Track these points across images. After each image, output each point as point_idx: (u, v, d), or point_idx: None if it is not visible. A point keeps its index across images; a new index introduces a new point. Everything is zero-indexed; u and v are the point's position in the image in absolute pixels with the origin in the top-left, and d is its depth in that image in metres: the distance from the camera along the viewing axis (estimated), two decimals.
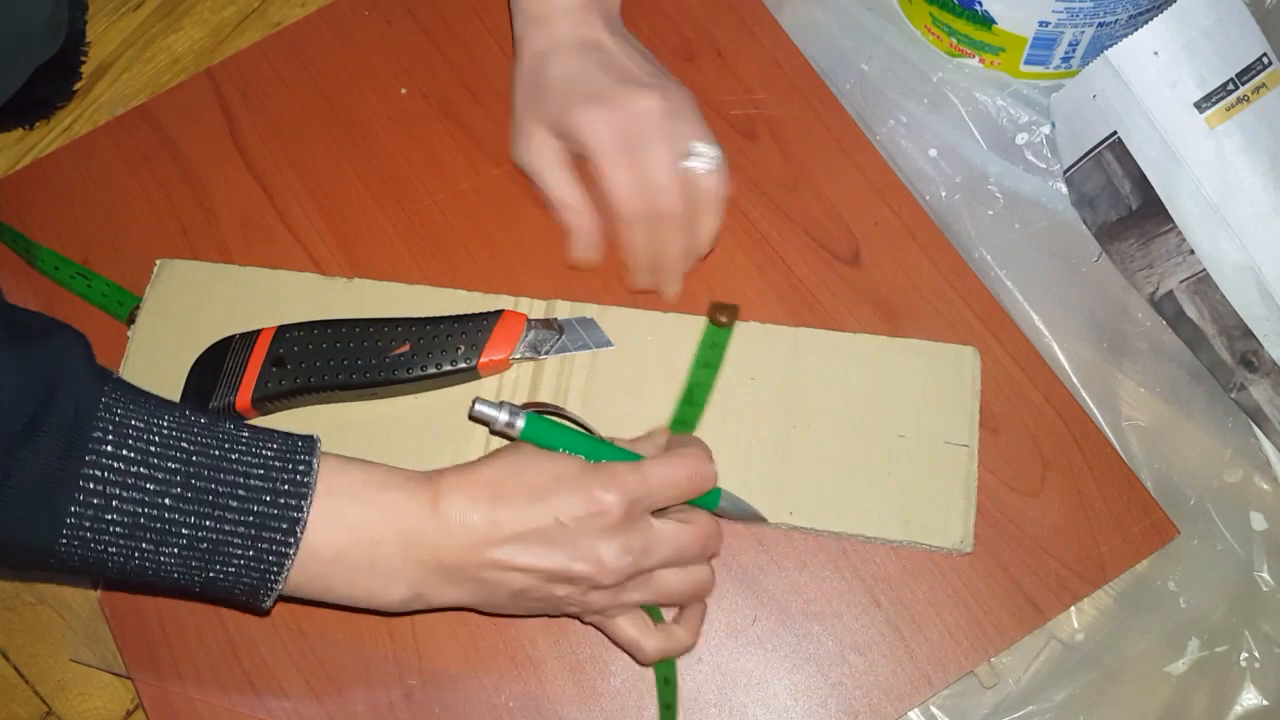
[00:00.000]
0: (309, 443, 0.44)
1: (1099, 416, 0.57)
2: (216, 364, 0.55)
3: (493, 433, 0.47)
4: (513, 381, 0.55)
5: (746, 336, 0.56)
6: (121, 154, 0.64)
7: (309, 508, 0.42)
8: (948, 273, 0.58)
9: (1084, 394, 0.57)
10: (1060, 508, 0.54)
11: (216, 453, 0.41)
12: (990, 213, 0.61)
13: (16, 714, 0.58)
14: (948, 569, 0.53)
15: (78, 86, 0.70)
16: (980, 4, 0.59)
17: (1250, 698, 0.52)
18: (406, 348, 0.54)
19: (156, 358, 0.57)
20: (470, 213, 0.61)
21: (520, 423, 0.46)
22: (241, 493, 0.41)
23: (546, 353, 0.55)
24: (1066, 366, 0.58)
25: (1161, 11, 0.51)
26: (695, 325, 0.56)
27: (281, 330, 0.55)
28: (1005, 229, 0.61)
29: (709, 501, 0.49)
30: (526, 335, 0.55)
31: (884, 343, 0.56)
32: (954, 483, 0.53)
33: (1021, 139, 0.62)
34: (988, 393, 0.55)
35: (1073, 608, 0.53)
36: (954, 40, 0.63)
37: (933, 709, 0.53)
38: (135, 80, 0.71)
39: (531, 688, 0.52)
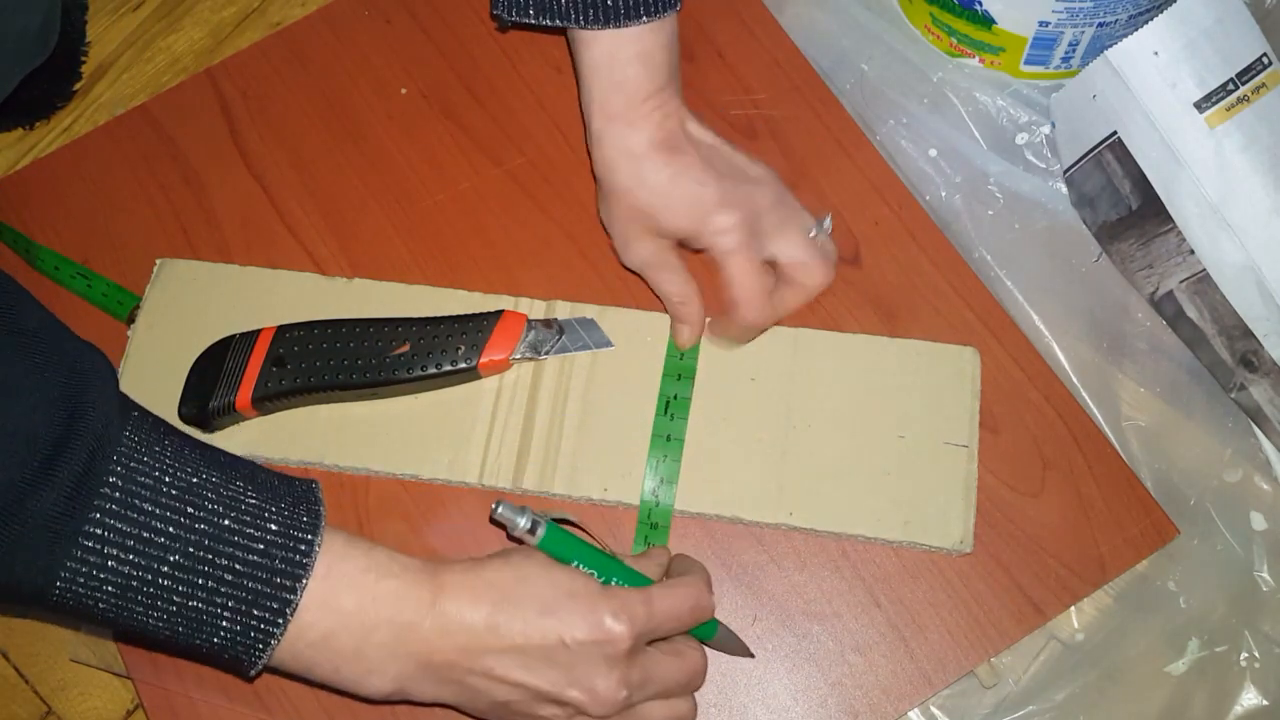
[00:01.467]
0: (314, 518, 0.42)
1: (1099, 416, 0.57)
2: (216, 364, 0.55)
3: (509, 537, 0.46)
4: (513, 381, 0.55)
5: None
6: (121, 154, 0.64)
7: (303, 591, 0.41)
8: (948, 273, 0.58)
9: (1084, 394, 0.57)
10: (1060, 508, 0.54)
11: (219, 522, 0.40)
12: (990, 213, 0.61)
13: (16, 714, 0.58)
14: (948, 569, 0.53)
15: (78, 86, 0.70)
16: (980, 4, 0.59)
17: (1250, 698, 0.52)
18: (406, 348, 0.54)
19: (156, 358, 0.57)
20: (470, 213, 0.61)
21: (541, 531, 0.46)
22: (239, 567, 0.40)
23: (547, 353, 0.55)
24: (1066, 366, 0.58)
25: (1161, 11, 0.51)
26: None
27: (281, 330, 0.55)
28: (1005, 229, 0.61)
29: (706, 632, 0.49)
30: (526, 335, 0.55)
31: (884, 343, 0.56)
32: (954, 483, 0.53)
33: (1021, 139, 0.62)
34: (988, 393, 0.55)
35: (1073, 608, 0.53)
36: (954, 40, 0.63)
37: (933, 709, 0.53)
38: (135, 80, 0.71)
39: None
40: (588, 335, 0.56)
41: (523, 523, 0.45)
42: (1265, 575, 0.54)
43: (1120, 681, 0.53)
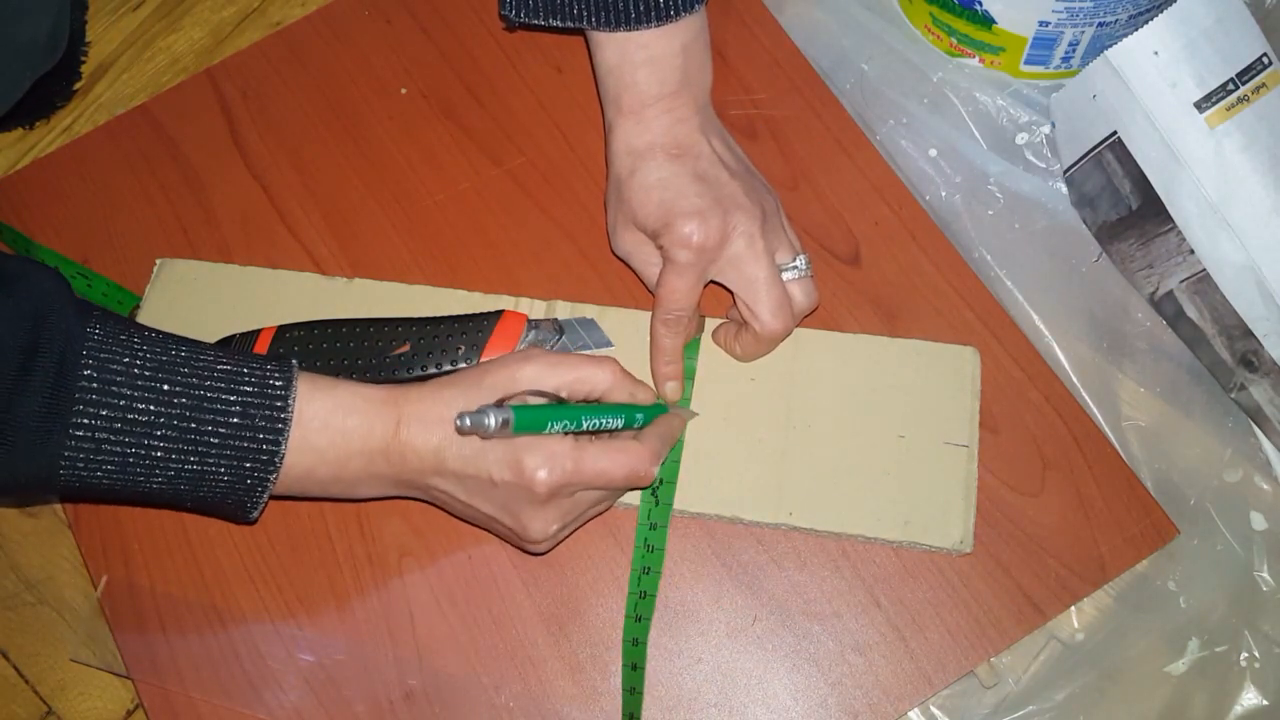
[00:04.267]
0: (286, 376, 0.46)
1: (1099, 416, 0.57)
2: None
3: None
4: None
5: None
6: (121, 154, 0.64)
7: (286, 441, 0.45)
8: (948, 273, 0.58)
9: (1084, 394, 0.57)
10: (1060, 508, 0.54)
11: (197, 393, 0.44)
12: (990, 213, 0.61)
13: (16, 714, 0.58)
14: (948, 569, 0.53)
15: (78, 86, 0.70)
16: (980, 4, 0.59)
17: (1250, 698, 0.52)
18: (407, 348, 0.54)
19: None
20: (470, 213, 0.61)
21: (511, 419, 0.46)
22: (223, 430, 0.44)
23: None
24: (1066, 366, 0.58)
25: (1161, 11, 0.51)
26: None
27: (281, 330, 0.55)
28: (1005, 229, 0.61)
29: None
30: (526, 335, 0.55)
31: (884, 343, 0.56)
32: (954, 483, 0.53)
33: (1021, 139, 0.62)
34: (988, 393, 0.55)
35: (1073, 608, 0.53)
36: (954, 40, 0.63)
37: (933, 709, 0.53)
38: (135, 80, 0.70)
39: (531, 688, 0.52)
40: (588, 335, 0.56)
41: (491, 424, 0.45)
42: (1265, 575, 0.54)
43: (1120, 681, 0.53)
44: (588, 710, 0.52)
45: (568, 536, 0.51)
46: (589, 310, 0.57)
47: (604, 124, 0.54)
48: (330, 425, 0.46)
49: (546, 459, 0.46)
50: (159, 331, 0.45)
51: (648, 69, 0.52)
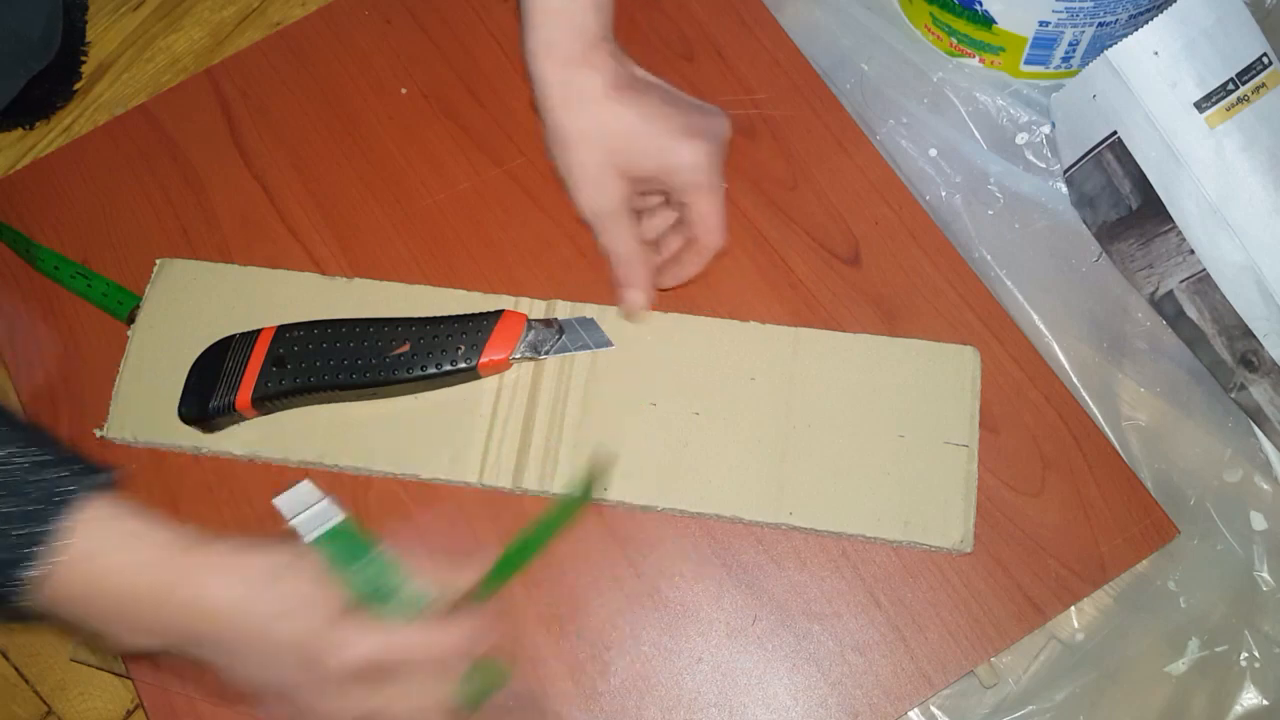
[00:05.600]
0: (77, 487, 0.42)
1: (1099, 416, 0.57)
2: (216, 364, 0.55)
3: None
4: (513, 381, 0.55)
5: (746, 336, 0.56)
6: (121, 154, 0.64)
7: (54, 548, 0.41)
8: (948, 273, 0.58)
9: (1084, 394, 0.57)
10: (1060, 508, 0.54)
11: None
12: (990, 213, 0.61)
13: (16, 714, 0.58)
14: (948, 569, 0.53)
15: (78, 86, 0.70)
16: (980, 4, 0.59)
17: (1250, 698, 0.52)
18: (406, 348, 0.54)
19: (156, 358, 0.57)
20: (470, 213, 0.61)
21: (315, 534, 0.45)
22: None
23: (546, 353, 0.55)
24: (1066, 366, 0.58)
25: (1161, 11, 0.51)
26: (696, 325, 0.56)
27: (281, 330, 0.55)
28: (1005, 229, 0.61)
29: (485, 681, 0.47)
30: (526, 335, 0.55)
31: (884, 343, 0.56)
32: (954, 483, 0.53)
33: (1021, 139, 0.62)
34: (988, 393, 0.55)
35: (1073, 608, 0.53)
36: (954, 40, 0.63)
37: (933, 709, 0.53)
38: (135, 80, 0.71)
39: (531, 688, 0.52)
40: (588, 335, 0.56)
41: (304, 525, 0.44)
42: (1265, 575, 0.54)
43: (1120, 681, 0.53)
44: (588, 710, 0.52)
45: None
46: (589, 310, 0.57)
47: (536, 80, 0.51)
48: (109, 557, 0.42)
49: (353, 636, 0.43)
50: None
51: (593, 11, 0.50)
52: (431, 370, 0.53)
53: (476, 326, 0.54)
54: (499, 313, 0.55)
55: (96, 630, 0.43)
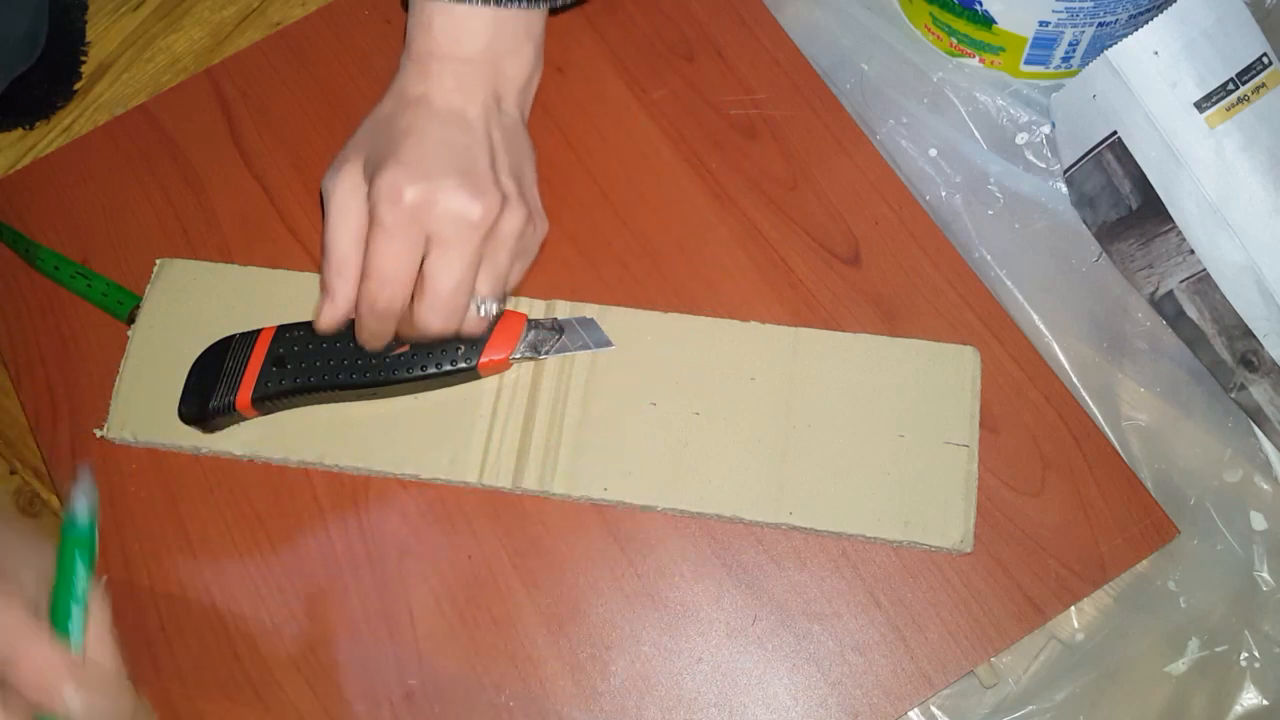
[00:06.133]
0: None
1: (1099, 416, 0.57)
2: (216, 364, 0.55)
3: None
4: (513, 381, 0.55)
5: (746, 336, 0.56)
6: (121, 154, 0.64)
7: None
8: (948, 273, 0.58)
9: (1084, 394, 0.57)
10: (1060, 508, 0.54)
11: None
12: (990, 213, 0.61)
13: None
14: (948, 569, 0.53)
15: (78, 86, 0.70)
16: (980, 4, 0.59)
17: (1250, 698, 0.52)
18: (406, 347, 0.54)
19: (156, 357, 0.57)
20: None
21: (83, 518, 0.44)
22: None
23: (546, 353, 0.55)
24: (1066, 366, 0.58)
25: (1161, 11, 0.51)
26: (696, 325, 0.56)
27: (281, 330, 0.55)
28: (1005, 229, 0.61)
29: None
30: (526, 335, 0.55)
31: (884, 343, 0.56)
32: (954, 483, 0.53)
33: (1021, 139, 0.62)
34: (988, 393, 0.55)
35: (1073, 608, 0.53)
36: (954, 40, 0.63)
37: (933, 709, 0.53)
38: (135, 80, 0.70)
39: (531, 688, 0.52)
40: (588, 335, 0.56)
41: (78, 500, 0.43)
42: (1265, 575, 0.54)
43: (1120, 681, 0.53)
44: (588, 710, 0.52)
45: None
46: (589, 310, 0.57)
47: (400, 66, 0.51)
48: None
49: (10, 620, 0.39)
50: None
51: (444, 18, 0.49)
52: (431, 370, 0.53)
53: None
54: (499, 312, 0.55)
55: None
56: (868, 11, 0.64)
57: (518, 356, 0.55)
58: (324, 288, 0.50)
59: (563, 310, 0.57)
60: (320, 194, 0.51)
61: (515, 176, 0.50)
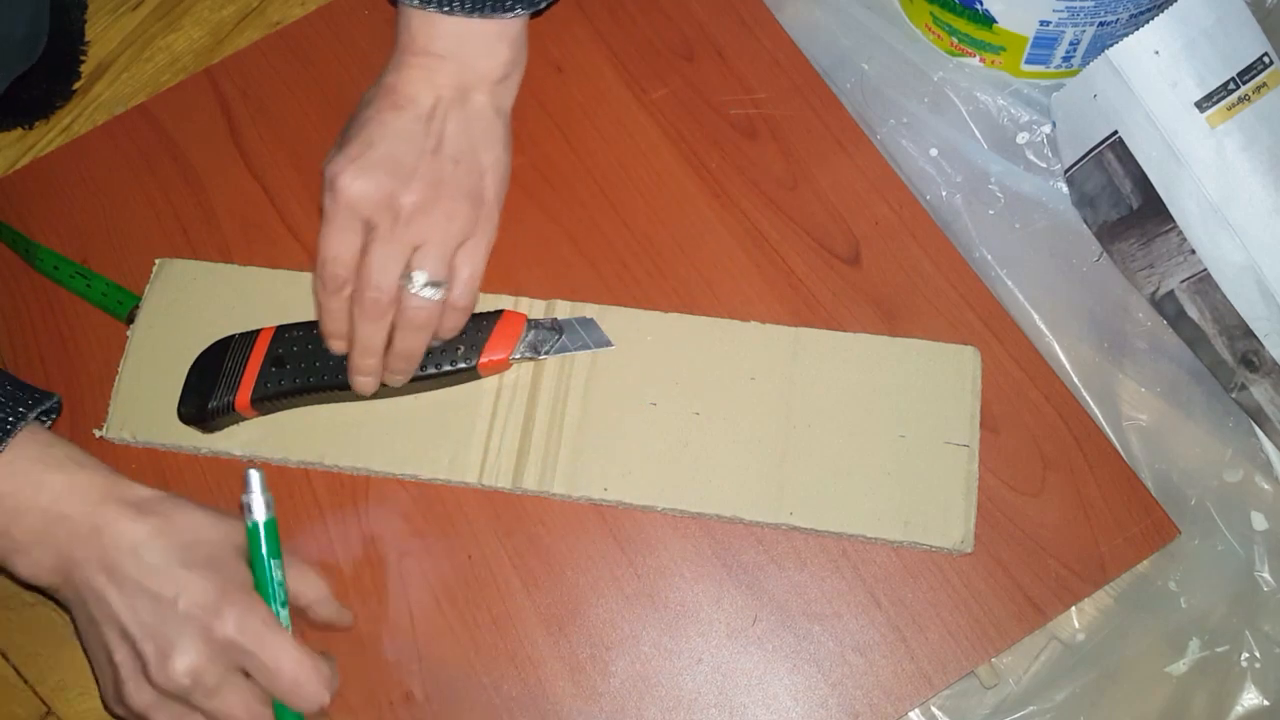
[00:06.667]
0: (12, 421, 0.44)
1: (1099, 416, 0.57)
2: (216, 364, 0.54)
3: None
4: (513, 381, 0.55)
5: (746, 336, 0.56)
6: (121, 154, 0.64)
7: None
8: (948, 273, 0.58)
9: (1084, 394, 0.57)
10: (1060, 508, 0.54)
11: None
12: (991, 212, 0.61)
13: (16, 714, 0.58)
14: (948, 569, 0.53)
15: (77, 86, 0.70)
16: (981, 3, 0.59)
17: (1251, 698, 0.52)
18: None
19: (156, 357, 0.57)
20: None
21: (260, 515, 0.47)
22: None
23: (547, 353, 0.55)
24: (1067, 366, 0.58)
25: (1162, 11, 0.51)
26: (696, 325, 0.56)
27: (281, 330, 0.55)
28: (1006, 229, 0.61)
29: (282, 715, 0.47)
30: (526, 335, 0.55)
31: (884, 343, 0.55)
32: (954, 483, 0.53)
33: (1022, 138, 0.62)
34: (988, 393, 0.55)
35: (1073, 608, 0.53)
36: (954, 40, 0.63)
37: (933, 709, 0.53)
38: (135, 80, 0.70)
39: (531, 688, 0.52)
40: (588, 335, 0.56)
41: (257, 500, 0.47)
42: (1265, 575, 0.54)
43: (1120, 681, 0.53)
44: (588, 710, 0.52)
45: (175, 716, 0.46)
46: (589, 310, 0.57)
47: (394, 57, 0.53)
48: (24, 473, 0.45)
49: (247, 611, 0.45)
50: None
51: (420, 18, 0.51)
52: (431, 370, 0.53)
53: (476, 326, 0.54)
54: (499, 313, 0.55)
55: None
56: (868, 11, 0.64)
57: (518, 357, 0.55)
58: (328, 284, 0.52)
59: (563, 310, 0.57)
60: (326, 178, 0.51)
61: (461, 162, 0.51)
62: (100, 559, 0.44)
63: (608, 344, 0.56)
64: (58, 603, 0.50)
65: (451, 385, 0.55)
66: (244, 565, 0.47)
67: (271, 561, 0.47)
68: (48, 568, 0.46)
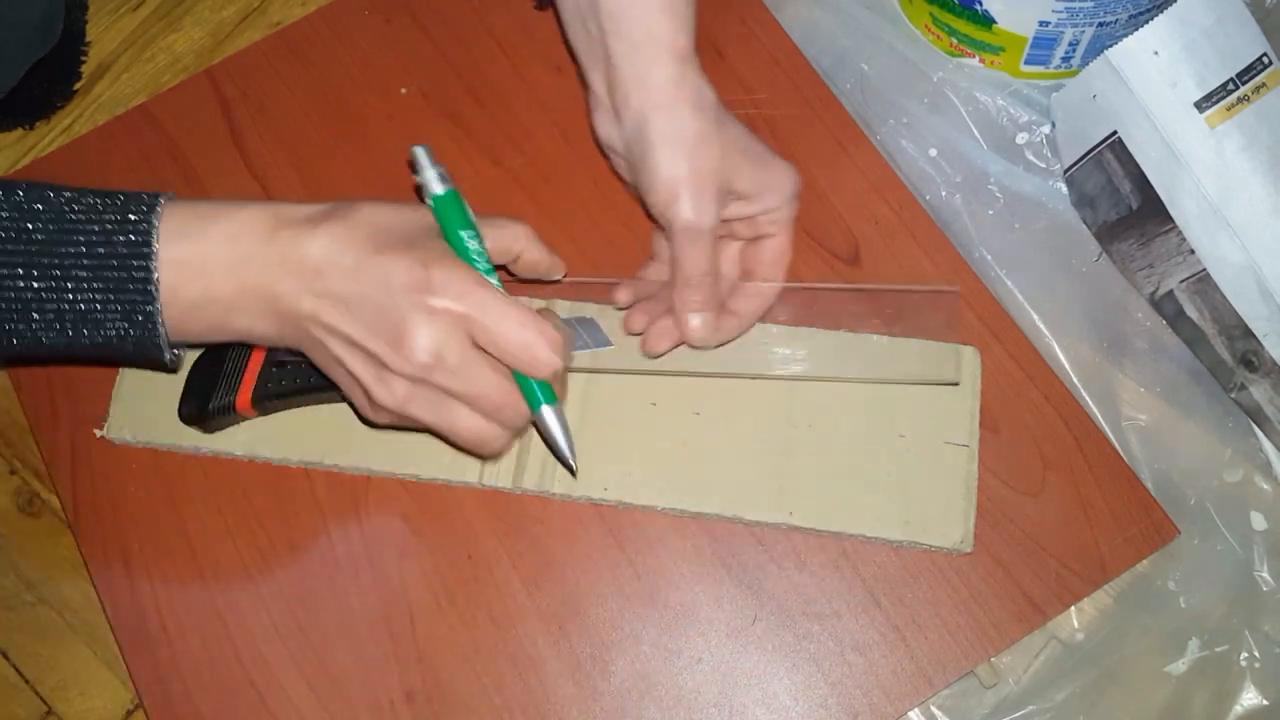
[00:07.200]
0: (150, 200, 0.43)
1: (1099, 416, 0.57)
2: (216, 364, 0.54)
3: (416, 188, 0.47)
4: None
5: (747, 336, 0.55)
6: (122, 154, 0.64)
7: (154, 260, 0.42)
8: (948, 273, 0.58)
9: (1084, 394, 0.57)
10: (1060, 508, 0.54)
11: (57, 229, 0.42)
12: (990, 212, 0.61)
13: (16, 714, 0.58)
14: (948, 569, 0.53)
15: (78, 86, 0.70)
16: (980, 4, 0.59)
17: (1250, 698, 0.52)
18: None
19: None
20: None
21: (437, 189, 0.46)
22: (89, 261, 0.42)
23: None
24: (1066, 366, 0.58)
25: (1162, 11, 0.51)
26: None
27: None
28: (1005, 229, 0.61)
29: (531, 397, 0.45)
30: None
31: (884, 343, 0.55)
32: (954, 483, 0.53)
33: (1022, 139, 0.62)
34: (988, 393, 0.55)
35: (1073, 608, 0.53)
36: (954, 40, 0.63)
37: (933, 709, 0.53)
38: (135, 80, 0.70)
39: (531, 688, 0.52)
40: (588, 335, 0.56)
41: (429, 175, 0.45)
42: (1265, 575, 0.54)
43: (1120, 681, 0.53)
44: (588, 710, 0.52)
45: (422, 418, 0.44)
46: (589, 310, 0.57)
47: (641, 83, 0.48)
48: (195, 233, 0.43)
49: (458, 275, 0.42)
50: (16, 181, 0.43)
51: (683, 33, 0.48)
52: None
53: None
54: None
55: (213, 332, 0.44)
56: (868, 11, 0.64)
57: None
58: (702, 306, 0.50)
59: (563, 310, 0.57)
60: (681, 222, 0.48)
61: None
62: (299, 282, 0.43)
63: (608, 344, 0.56)
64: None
65: None
66: (440, 240, 0.45)
67: (463, 233, 0.46)
68: (260, 314, 0.44)
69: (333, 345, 0.44)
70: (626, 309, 0.53)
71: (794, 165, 0.51)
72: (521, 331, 0.43)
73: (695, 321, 0.50)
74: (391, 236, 0.43)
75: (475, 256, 0.46)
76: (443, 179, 0.46)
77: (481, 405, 0.44)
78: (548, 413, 0.46)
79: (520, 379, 0.45)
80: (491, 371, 0.43)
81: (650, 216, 0.51)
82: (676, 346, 0.52)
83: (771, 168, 0.50)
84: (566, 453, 0.47)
